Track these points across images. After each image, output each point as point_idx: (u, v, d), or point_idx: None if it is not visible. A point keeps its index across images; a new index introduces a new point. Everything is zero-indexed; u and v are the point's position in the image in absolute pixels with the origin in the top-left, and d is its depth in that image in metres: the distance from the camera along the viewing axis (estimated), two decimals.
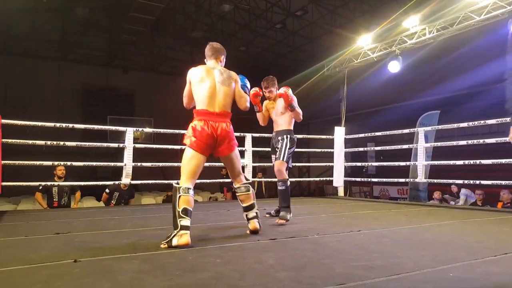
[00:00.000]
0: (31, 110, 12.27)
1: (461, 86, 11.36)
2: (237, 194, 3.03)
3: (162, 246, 2.49)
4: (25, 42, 14.39)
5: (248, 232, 2.97)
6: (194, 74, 2.84)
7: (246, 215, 3.00)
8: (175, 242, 2.46)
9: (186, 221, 2.53)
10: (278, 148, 3.80)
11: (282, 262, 2.08)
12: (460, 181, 5.81)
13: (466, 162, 5.36)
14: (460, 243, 2.71)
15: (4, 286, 1.69)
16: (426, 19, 6.83)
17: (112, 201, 6.37)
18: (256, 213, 2.99)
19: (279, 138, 3.84)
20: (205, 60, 3.01)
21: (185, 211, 2.55)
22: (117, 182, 5.86)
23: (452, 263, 2.09)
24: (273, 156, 3.94)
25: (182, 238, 2.47)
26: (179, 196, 2.57)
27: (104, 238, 2.83)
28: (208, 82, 2.80)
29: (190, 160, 2.70)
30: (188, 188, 2.61)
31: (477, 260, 2.16)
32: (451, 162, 5.75)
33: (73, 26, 15.06)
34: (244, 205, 3.00)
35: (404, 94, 12.65)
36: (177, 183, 2.64)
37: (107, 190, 6.40)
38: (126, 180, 5.39)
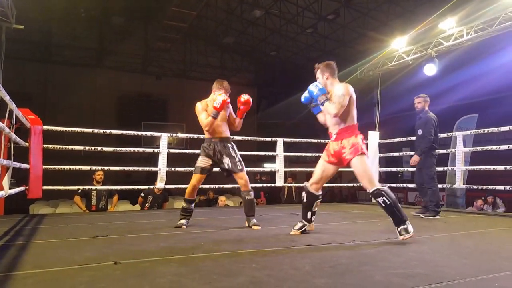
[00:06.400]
0: (68, 116, 12.75)
1: (498, 88, 10.91)
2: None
3: (404, 238, 2.79)
4: (64, 51, 15.05)
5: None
6: (353, 92, 3.03)
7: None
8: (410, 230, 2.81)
9: None
10: (230, 157, 3.67)
11: (319, 269, 2.06)
12: (501, 187, 5.56)
13: (508, 167, 5.14)
14: (505, 252, 2.60)
15: (52, 286, 1.76)
16: (463, 20, 6.62)
17: (146, 204, 6.53)
18: None
19: (229, 145, 3.73)
20: (334, 77, 3.12)
21: None
22: (151, 187, 6.00)
23: (497, 273, 2.00)
24: (204, 159, 3.69)
25: (410, 225, 2.84)
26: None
27: (142, 241, 2.89)
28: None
29: (368, 166, 3.01)
30: None
31: None
32: (491, 167, 5.52)
33: (109, 34, 15.62)
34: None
35: (440, 97, 12.27)
36: (378, 189, 2.88)
37: (142, 194, 6.58)
38: (160, 184, 5.51)
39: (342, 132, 3.03)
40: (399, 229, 2.82)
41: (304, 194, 3.25)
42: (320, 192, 3.24)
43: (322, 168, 3.18)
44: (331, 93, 3.04)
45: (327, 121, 3.15)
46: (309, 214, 3.21)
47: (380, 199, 2.85)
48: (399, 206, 2.87)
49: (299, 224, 3.24)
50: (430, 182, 4.66)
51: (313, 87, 3.06)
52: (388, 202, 2.83)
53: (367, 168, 2.96)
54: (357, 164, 2.95)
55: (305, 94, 3.18)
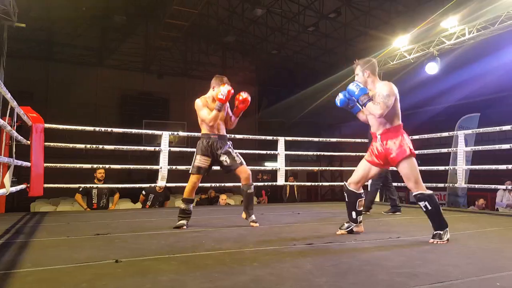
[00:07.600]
0: (70, 114, 12.75)
1: (500, 87, 10.89)
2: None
3: (435, 242, 2.71)
4: (66, 49, 15.04)
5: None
6: (397, 92, 2.90)
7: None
8: (445, 239, 2.73)
9: None
10: (227, 154, 3.58)
11: (321, 268, 2.05)
12: (503, 187, 5.54)
13: (510, 166, 5.12)
14: (508, 252, 2.59)
15: (53, 284, 1.75)
16: (465, 18, 6.60)
17: (148, 203, 6.54)
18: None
19: (228, 143, 3.66)
20: (375, 74, 3.02)
21: None
22: (153, 185, 5.99)
23: (499, 272, 1.99)
24: (203, 158, 3.55)
25: (448, 233, 2.77)
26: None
27: (143, 239, 2.89)
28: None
29: (416, 167, 2.86)
30: None
31: None
32: (493, 167, 5.51)
33: (111, 33, 15.61)
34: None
35: (441, 96, 12.25)
36: (422, 193, 2.78)
37: (143, 192, 6.58)
38: (161, 182, 5.50)
39: (387, 133, 2.90)
40: (434, 232, 2.77)
41: (345, 194, 3.10)
42: (361, 190, 3.07)
43: (365, 168, 3.03)
44: (373, 92, 2.91)
45: (370, 122, 3.00)
46: (353, 214, 3.06)
47: (422, 203, 2.77)
48: (441, 211, 2.79)
49: (346, 225, 3.12)
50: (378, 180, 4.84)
51: (354, 87, 2.89)
52: (430, 207, 2.75)
53: (415, 170, 2.83)
54: (405, 166, 2.82)
55: (340, 96, 3.07)
